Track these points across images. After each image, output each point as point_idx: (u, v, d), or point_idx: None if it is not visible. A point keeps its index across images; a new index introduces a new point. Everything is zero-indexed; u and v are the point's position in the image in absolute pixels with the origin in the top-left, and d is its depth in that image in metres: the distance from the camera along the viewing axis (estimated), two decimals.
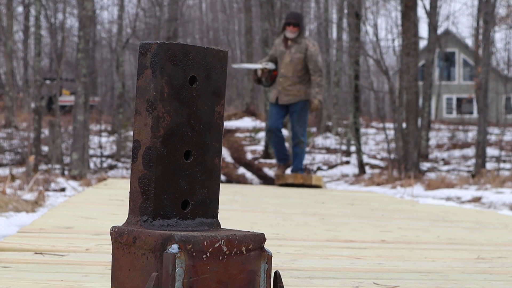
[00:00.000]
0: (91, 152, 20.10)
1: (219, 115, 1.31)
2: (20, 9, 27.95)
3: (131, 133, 20.42)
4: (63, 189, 9.66)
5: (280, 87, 8.71)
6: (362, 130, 26.30)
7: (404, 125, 17.35)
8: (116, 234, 1.26)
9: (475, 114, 35.02)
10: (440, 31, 29.40)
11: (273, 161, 22.13)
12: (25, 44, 25.35)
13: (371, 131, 27.53)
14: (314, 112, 9.45)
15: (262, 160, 21.94)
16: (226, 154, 22.18)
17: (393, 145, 19.35)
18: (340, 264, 2.21)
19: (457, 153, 23.26)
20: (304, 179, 8.75)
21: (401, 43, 17.05)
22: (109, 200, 4.80)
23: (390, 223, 3.95)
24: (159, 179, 1.24)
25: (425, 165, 19.95)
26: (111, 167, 19.23)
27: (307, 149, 24.66)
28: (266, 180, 17.98)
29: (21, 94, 28.62)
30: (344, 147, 23.11)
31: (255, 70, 8.82)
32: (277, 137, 8.83)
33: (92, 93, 27.96)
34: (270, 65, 8.78)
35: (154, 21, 25.74)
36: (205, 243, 1.19)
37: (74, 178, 12.76)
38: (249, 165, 20.93)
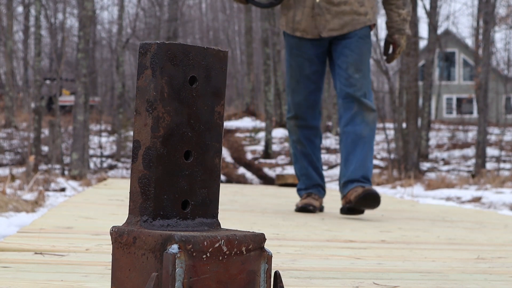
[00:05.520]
0: (91, 152, 20.10)
1: (219, 115, 1.31)
2: (20, 9, 27.96)
3: (131, 133, 20.47)
4: (63, 189, 9.67)
5: None
6: None
7: (404, 125, 17.36)
8: (116, 234, 1.26)
9: (475, 114, 35.03)
10: (440, 31, 29.40)
11: (273, 160, 22.11)
12: (25, 44, 25.35)
13: None
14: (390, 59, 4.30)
15: (262, 160, 21.95)
16: (226, 154, 22.19)
17: (393, 145, 19.36)
18: (340, 264, 2.21)
19: (457, 153, 23.27)
20: None
21: None
22: (109, 200, 4.80)
23: (390, 223, 3.95)
24: (159, 179, 1.24)
25: (425, 165, 19.95)
26: (111, 167, 19.23)
27: None
28: (266, 180, 17.98)
29: (21, 94, 28.62)
30: None
31: None
32: (310, 129, 4.35)
33: (92, 93, 27.97)
34: None
35: (154, 21, 25.74)
36: (205, 243, 1.19)
37: (74, 178, 12.76)
38: (249, 165, 20.94)
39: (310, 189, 4.42)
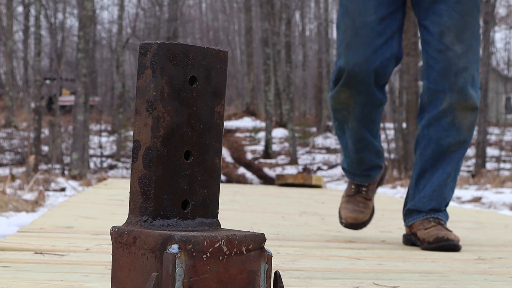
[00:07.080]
0: (91, 152, 20.11)
1: (219, 115, 1.31)
2: (20, 9, 27.96)
3: (131, 133, 20.47)
4: (63, 189, 9.67)
5: None
6: None
7: (404, 125, 17.36)
8: (116, 234, 1.26)
9: None
10: None
11: (273, 160, 22.12)
12: (25, 44, 25.36)
13: None
14: None
15: (262, 160, 21.96)
16: (226, 154, 22.19)
17: (393, 145, 19.36)
18: (340, 264, 2.21)
19: None
20: (304, 179, 8.76)
21: None
22: (109, 200, 4.80)
23: (390, 223, 3.95)
24: (159, 179, 1.24)
25: None
26: (111, 167, 19.24)
27: (307, 148, 24.53)
28: (266, 180, 17.98)
29: (21, 94, 28.64)
30: None
31: None
32: (373, 107, 2.76)
33: (92, 93, 27.98)
34: None
35: (154, 21, 25.75)
36: (205, 243, 1.19)
37: (74, 178, 12.77)
38: (249, 165, 20.95)
39: (358, 176, 2.97)
